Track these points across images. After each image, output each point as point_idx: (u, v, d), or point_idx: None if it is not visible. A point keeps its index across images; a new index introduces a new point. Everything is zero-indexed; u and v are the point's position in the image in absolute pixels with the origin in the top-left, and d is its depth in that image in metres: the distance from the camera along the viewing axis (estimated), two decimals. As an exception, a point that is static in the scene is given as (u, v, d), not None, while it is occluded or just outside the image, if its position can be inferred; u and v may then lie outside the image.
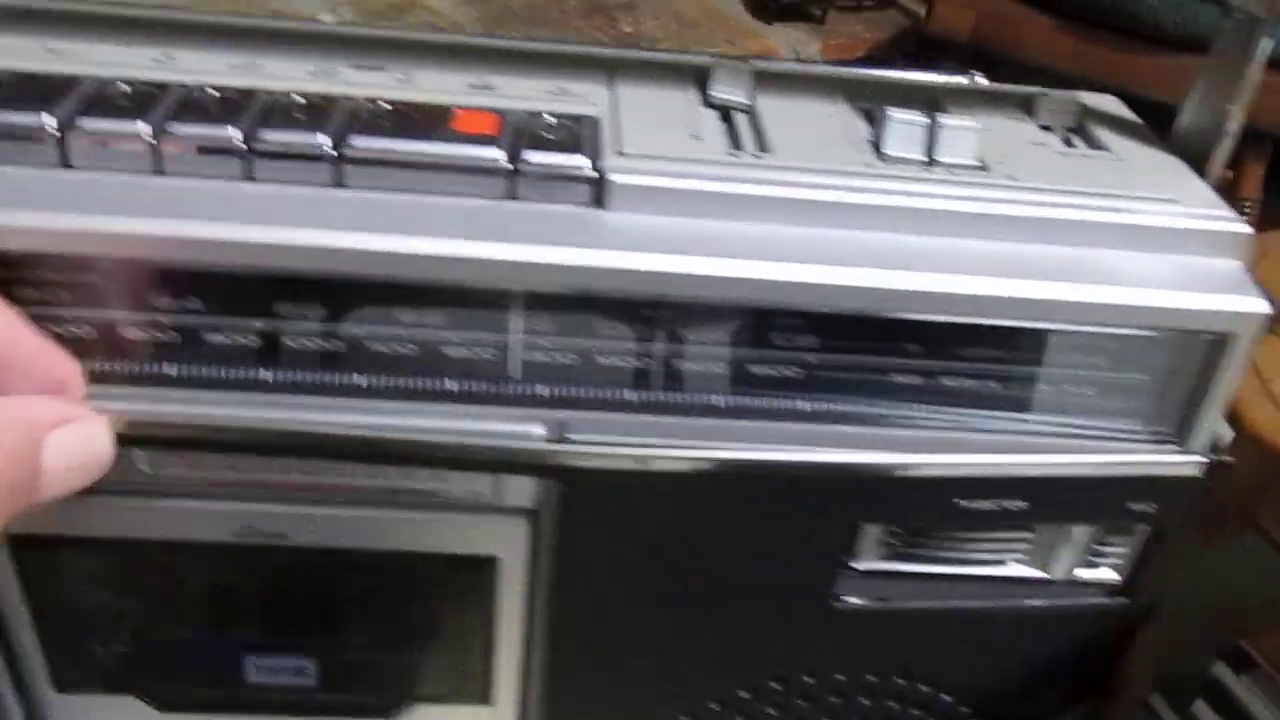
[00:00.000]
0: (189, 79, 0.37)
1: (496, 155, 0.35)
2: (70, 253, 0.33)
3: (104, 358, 0.35)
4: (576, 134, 0.37)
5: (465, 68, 0.40)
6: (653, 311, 0.36)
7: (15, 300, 0.33)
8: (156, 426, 0.35)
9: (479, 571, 0.40)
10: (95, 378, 0.35)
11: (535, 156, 0.36)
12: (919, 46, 1.54)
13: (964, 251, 0.37)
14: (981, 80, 0.47)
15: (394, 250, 0.34)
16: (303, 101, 0.37)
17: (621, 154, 0.36)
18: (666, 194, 0.36)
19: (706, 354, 0.37)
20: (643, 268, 0.35)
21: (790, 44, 1.61)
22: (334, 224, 0.34)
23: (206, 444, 0.36)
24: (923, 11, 1.58)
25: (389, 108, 0.37)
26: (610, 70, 0.42)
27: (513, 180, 0.36)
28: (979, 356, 0.38)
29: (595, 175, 0.36)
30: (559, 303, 0.36)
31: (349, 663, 0.43)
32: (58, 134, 0.34)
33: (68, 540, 0.38)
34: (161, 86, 0.36)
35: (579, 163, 0.36)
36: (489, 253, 0.35)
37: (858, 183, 0.37)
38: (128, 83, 0.36)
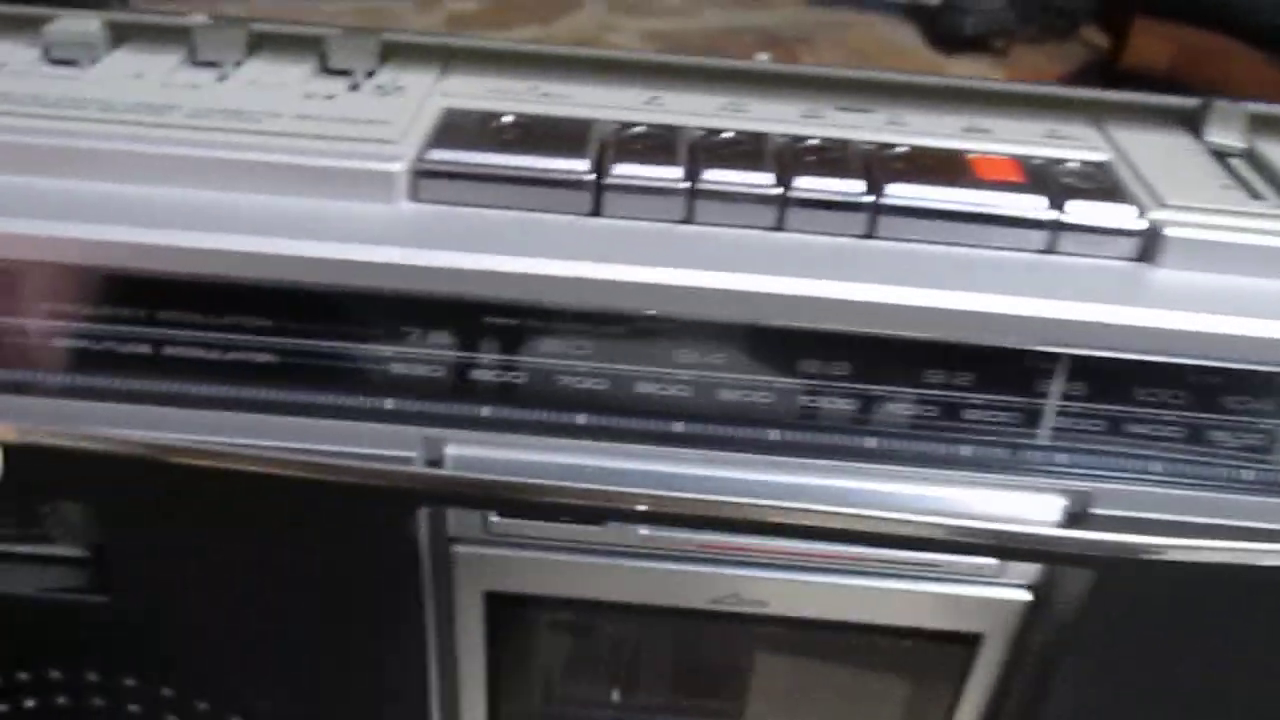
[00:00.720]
0: (685, 121, 0.35)
1: (1039, 205, 0.33)
2: (608, 308, 0.32)
3: (608, 415, 0.34)
4: (1105, 182, 0.34)
5: (950, 109, 0.38)
6: (1198, 377, 0.33)
7: (530, 352, 0.32)
8: (662, 500, 0.33)
9: (958, 648, 0.37)
10: (584, 432, 0.34)
11: (1078, 207, 0.33)
12: (1106, 79, 1.48)
13: None
14: None
15: (933, 306, 0.32)
16: (816, 145, 0.34)
17: (1166, 205, 0.34)
18: (1220, 249, 0.33)
19: (1246, 425, 0.34)
20: (1206, 330, 0.32)
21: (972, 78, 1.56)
22: (868, 276, 0.32)
23: (713, 521, 0.33)
24: (1105, 43, 1.53)
25: (904, 152, 0.35)
26: (1094, 112, 0.39)
27: (1055, 232, 0.33)
28: None
29: (1145, 228, 0.33)
30: (1099, 365, 0.33)
31: (786, 738, 0.40)
32: (594, 180, 0.32)
33: (548, 599, 0.36)
34: (671, 130, 0.35)
35: (1127, 214, 0.33)
36: (1038, 310, 0.32)
37: None
38: (636, 127, 0.34)
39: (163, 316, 0.32)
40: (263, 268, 0.31)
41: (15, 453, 0.32)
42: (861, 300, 0.32)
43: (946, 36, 1.59)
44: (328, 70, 0.37)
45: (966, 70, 1.55)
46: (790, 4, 1.64)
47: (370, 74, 0.37)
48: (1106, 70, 1.47)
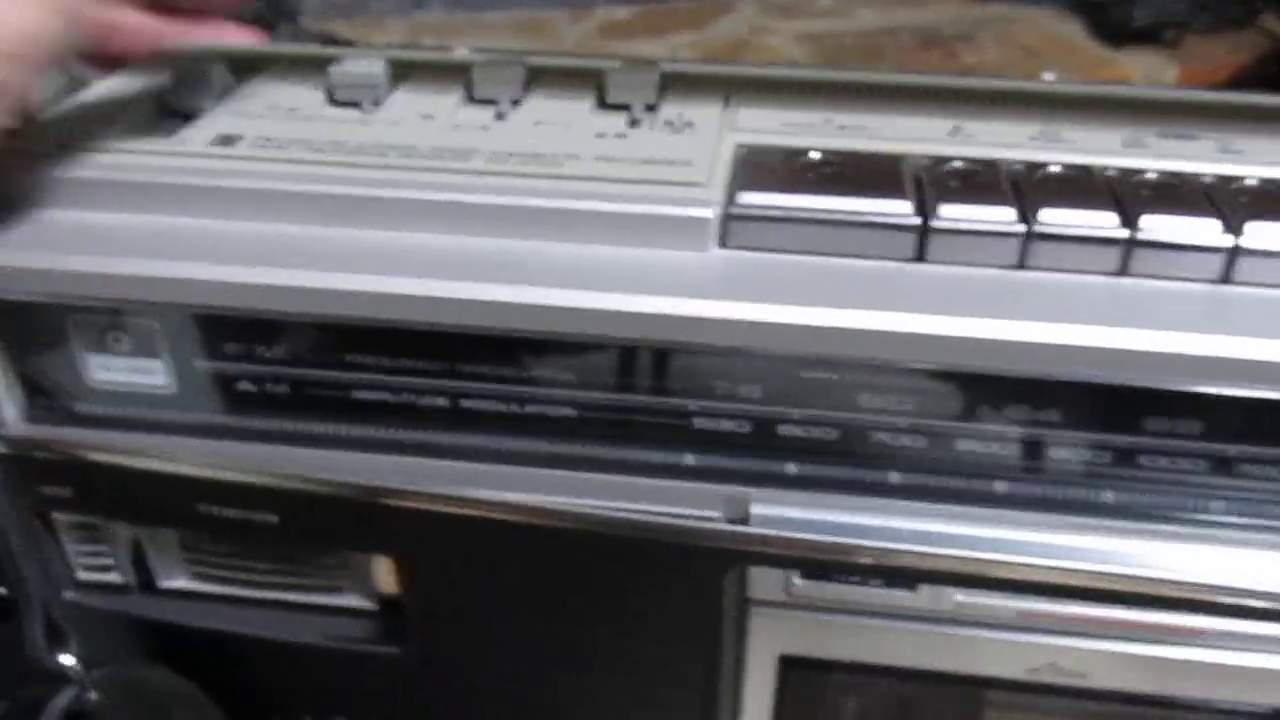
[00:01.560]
0: (999, 154, 0.33)
1: None
2: (940, 363, 0.29)
3: (924, 474, 0.31)
4: None
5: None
6: None
7: (844, 407, 0.30)
8: (978, 563, 0.30)
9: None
10: (898, 491, 0.31)
11: None
12: (1289, 70, 1.38)
13: None
14: None
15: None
16: (1152, 179, 0.31)
17: None
18: None
19: None
20: None
21: (1144, 71, 1.47)
22: (1226, 328, 0.29)
23: (1045, 588, 0.31)
24: (1285, 31, 1.42)
25: (1254, 186, 0.31)
26: None
27: None
28: None
29: None
30: None
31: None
32: (919, 224, 0.30)
33: (849, 665, 0.34)
34: (990, 164, 0.32)
35: None
36: None
37: None
38: (952, 162, 0.32)
39: (463, 370, 0.31)
40: (581, 323, 0.29)
41: (315, 503, 0.32)
42: (1219, 356, 0.28)
43: (1114, 29, 1.51)
44: (606, 105, 0.36)
45: (1137, 64, 1.47)
46: (948, 0, 1.58)
47: (650, 108, 0.35)
48: (1283, 59, 1.37)
